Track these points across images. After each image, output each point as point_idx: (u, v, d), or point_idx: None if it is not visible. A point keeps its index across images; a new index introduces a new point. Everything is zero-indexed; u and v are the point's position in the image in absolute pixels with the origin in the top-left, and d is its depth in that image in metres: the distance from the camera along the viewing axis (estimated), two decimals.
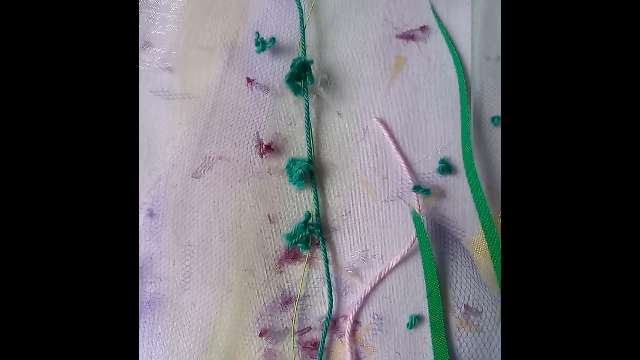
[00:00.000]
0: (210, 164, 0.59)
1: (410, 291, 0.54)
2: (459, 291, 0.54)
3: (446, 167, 0.58)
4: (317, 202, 0.57)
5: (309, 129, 0.60)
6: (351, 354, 0.52)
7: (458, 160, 0.59)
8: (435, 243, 0.56)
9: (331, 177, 0.59)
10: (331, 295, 0.54)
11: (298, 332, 0.53)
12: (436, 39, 0.64)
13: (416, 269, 0.55)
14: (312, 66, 0.61)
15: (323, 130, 0.61)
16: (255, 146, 0.59)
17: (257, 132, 0.60)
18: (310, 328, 0.53)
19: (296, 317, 0.53)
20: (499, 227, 0.55)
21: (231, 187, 0.58)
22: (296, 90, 0.61)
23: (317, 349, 0.52)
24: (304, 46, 0.63)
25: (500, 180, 0.57)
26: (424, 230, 0.54)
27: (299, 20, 0.64)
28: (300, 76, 0.61)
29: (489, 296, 0.53)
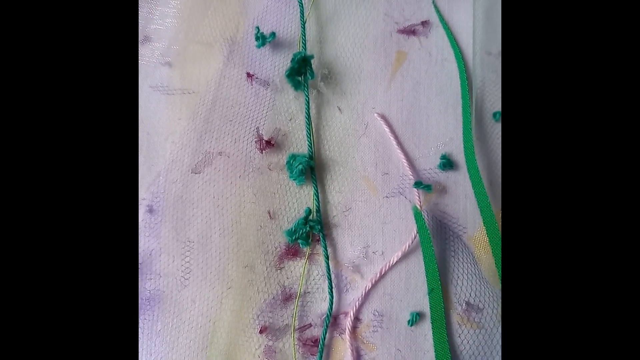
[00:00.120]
0: (210, 160, 0.58)
1: (411, 288, 0.54)
2: (460, 288, 0.54)
3: (447, 163, 0.58)
4: (318, 198, 0.57)
5: (309, 125, 0.59)
6: (352, 351, 0.52)
7: (459, 156, 0.59)
8: (437, 239, 0.56)
9: (332, 173, 0.59)
10: (332, 291, 0.54)
11: (298, 329, 0.53)
12: (437, 34, 0.64)
13: (417, 266, 0.55)
14: (312, 61, 0.61)
15: (323, 126, 0.61)
16: (256, 142, 0.59)
17: (257, 128, 0.60)
18: (310, 325, 0.53)
19: (296, 314, 0.53)
20: (500, 223, 0.54)
21: (231, 182, 0.58)
22: (296, 86, 0.61)
23: (318, 346, 0.52)
24: (305, 41, 0.62)
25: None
26: (425, 227, 0.54)
27: (299, 14, 0.64)
28: (301, 71, 0.60)
29: (490, 293, 0.53)
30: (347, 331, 0.53)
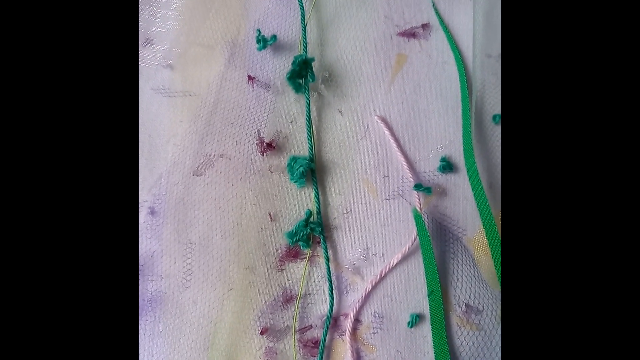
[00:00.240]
0: (212, 162, 0.59)
1: (411, 290, 0.55)
2: (460, 290, 0.54)
3: (447, 166, 0.58)
4: (318, 201, 0.57)
5: (310, 127, 0.60)
6: (352, 352, 0.52)
7: (459, 159, 0.59)
8: (436, 241, 0.56)
9: (332, 175, 0.59)
10: (332, 293, 0.54)
11: (299, 330, 0.53)
12: (437, 36, 0.64)
13: (417, 268, 0.55)
14: (313, 64, 0.61)
15: (324, 128, 0.61)
16: (257, 144, 0.59)
17: (258, 130, 0.60)
18: (311, 326, 0.53)
19: (297, 316, 0.54)
20: (500, 226, 0.55)
21: (232, 185, 0.58)
22: (297, 88, 0.61)
23: (318, 348, 0.52)
24: (305, 44, 0.63)
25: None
26: (425, 229, 0.55)
27: (300, 17, 0.64)
28: (302, 74, 0.61)
29: (489, 295, 0.54)
30: (348, 332, 0.53)
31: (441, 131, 0.60)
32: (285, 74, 0.61)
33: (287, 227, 0.57)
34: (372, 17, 0.65)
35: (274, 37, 0.63)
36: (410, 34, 0.64)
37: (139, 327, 0.53)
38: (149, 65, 0.63)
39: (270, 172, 0.59)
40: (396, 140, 0.60)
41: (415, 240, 0.55)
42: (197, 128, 0.60)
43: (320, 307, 0.54)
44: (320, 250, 0.56)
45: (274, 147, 0.59)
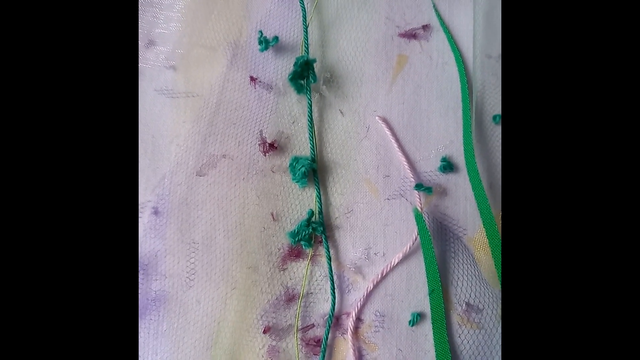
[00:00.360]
0: (214, 162, 0.59)
1: (412, 289, 0.55)
2: (461, 289, 0.54)
3: (448, 166, 0.59)
4: (320, 200, 0.58)
5: (311, 128, 0.60)
6: (354, 350, 0.53)
7: (459, 159, 0.59)
8: (437, 241, 0.56)
9: (334, 176, 0.59)
10: (334, 292, 0.54)
11: (301, 329, 0.54)
12: (438, 37, 0.65)
13: (418, 267, 0.55)
14: (315, 65, 0.61)
15: (326, 129, 0.61)
16: (259, 144, 0.60)
17: (261, 131, 0.60)
18: (313, 325, 0.54)
19: (299, 314, 0.54)
20: (500, 225, 0.55)
21: (235, 185, 0.58)
22: (299, 89, 0.61)
23: (320, 346, 0.53)
24: (307, 45, 0.63)
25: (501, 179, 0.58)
26: (426, 228, 0.55)
27: (301, 18, 0.65)
28: (303, 75, 0.61)
29: (490, 294, 0.54)
30: (349, 331, 0.53)
31: (442, 131, 0.61)
32: (287, 75, 0.61)
33: (289, 227, 0.57)
34: (373, 18, 0.66)
35: (276, 38, 0.63)
36: (411, 35, 0.65)
37: (144, 326, 0.54)
38: (152, 67, 0.63)
39: (273, 172, 0.59)
40: (397, 140, 0.60)
41: (416, 239, 0.56)
42: (199, 129, 0.60)
43: (322, 306, 0.55)
44: (322, 250, 0.56)
45: (276, 148, 0.60)
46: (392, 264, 0.55)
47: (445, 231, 0.57)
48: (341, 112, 0.62)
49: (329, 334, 0.53)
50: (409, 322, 0.54)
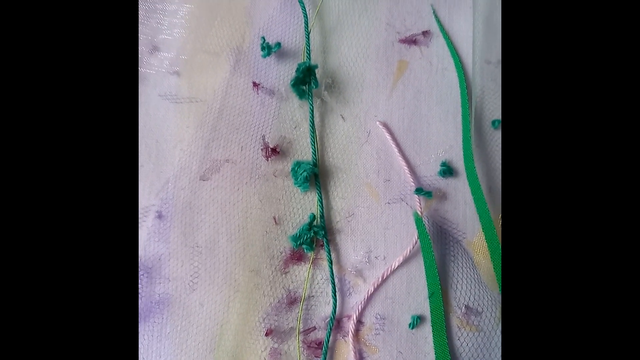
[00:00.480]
0: (218, 167, 0.60)
1: (412, 292, 0.56)
2: (460, 292, 0.55)
3: (447, 170, 0.59)
4: (322, 205, 0.58)
5: (313, 133, 0.61)
6: (355, 353, 0.53)
7: (459, 163, 0.60)
8: (437, 244, 0.57)
9: (335, 180, 0.60)
10: (335, 295, 0.55)
11: (303, 331, 0.54)
12: (438, 43, 0.65)
13: (418, 270, 0.56)
14: (316, 70, 0.62)
15: (327, 134, 0.62)
16: (261, 149, 0.60)
17: (263, 136, 0.61)
18: (314, 328, 0.54)
19: (301, 317, 0.55)
20: (499, 229, 0.55)
21: (238, 189, 0.59)
22: (301, 95, 0.62)
23: (322, 349, 0.53)
24: (309, 51, 0.63)
25: (500, 183, 0.58)
26: (426, 232, 0.55)
27: (303, 25, 0.65)
28: (305, 80, 0.61)
29: (489, 297, 0.54)
30: (350, 334, 0.54)
31: (441, 136, 0.61)
32: (289, 81, 0.62)
33: (291, 231, 0.58)
34: (374, 25, 0.66)
35: (278, 44, 0.64)
36: (411, 41, 0.65)
37: (147, 329, 0.54)
38: (156, 72, 0.64)
39: (275, 176, 0.60)
40: (397, 145, 0.61)
41: (416, 243, 0.56)
42: (203, 134, 0.61)
43: (324, 309, 0.55)
44: (323, 253, 0.57)
45: (279, 152, 0.60)
46: (393, 267, 0.56)
47: (445, 235, 0.57)
48: (342, 117, 0.62)
49: (330, 337, 0.54)
50: (409, 324, 0.54)
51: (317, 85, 0.62)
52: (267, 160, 0.60)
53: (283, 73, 0.64)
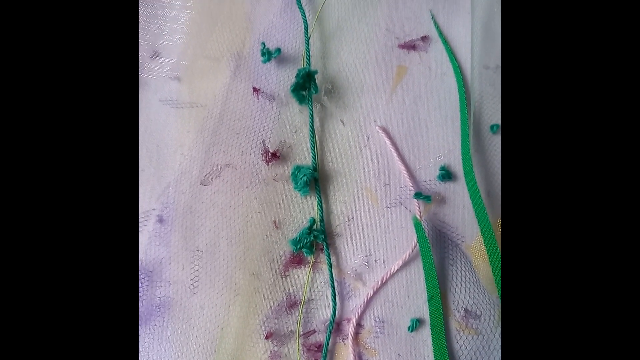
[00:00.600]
0: (218, 172, 0.60)
1: (412, 295, 0.56)
2: (459, 295, 0.55)
3: (446, 174, 0.59)
4: (321, 209, 0.59)
5: (313, 137, 0.61)
6: (354, 356, 0.53)
7: (458, 168, 0.60)
8: (436, 248, 0.57)
9: (335, 184, 0.60)
10: (335, 299, 0.55)
11: (303, 334, 0.54)
12: (437, 48, 0.66)
13: (417, 274, 0.56)
14: (316, 76, 0.62)
15: (327, 138, 0.62)
16: (262, 154, 0.61)
17: (263, 140, 0.61)
18: (314, 331, 0.55)
19: (301, 320, 0.55)
20: (498, 233, 0.56)
21: (238, 193, 0.59)
22: (301, 100, 0.62)
23: (322, 351, 0.53)
24: (309, 56, 0.64)
25: (500, 187, 0.58)
26: (425, 236, 0.56)
27: (303, 30, 0.66)
28: (305, 86, 0.62)
29: (487, 300, 0.55)
30: (350, 337, 0.54)
31: (440, 141, 0.61)
32: (289, 86, 0.62)
33: (291, 235, 0.58)
34: (373, 30, 0.66)
35: (278, 50, 0.64)
36: (410, 46, 0.66)
37: (148, 332, 0.54)
38: (157, 77, 0.64)
39: (275, 181, 0.60)
40: (397, 149, 0.61)
41: (415, 247, 0.56)
42: (203, 138, 0.61)
43: (324, 312, 0.55)
44: (323, 257, 0.57)
45: (279, 157, 0.61)
46: (392, 270, 0.56)
47: (443, 239, 0.57)
48: (342, 122, 0.63)
49: (330, 340, 0.54)
50: (409, 327, 0.54)
51: (316, 91, 0.62)
52: (268, 165, 0.60)
53: (283, 78, 0.64)
